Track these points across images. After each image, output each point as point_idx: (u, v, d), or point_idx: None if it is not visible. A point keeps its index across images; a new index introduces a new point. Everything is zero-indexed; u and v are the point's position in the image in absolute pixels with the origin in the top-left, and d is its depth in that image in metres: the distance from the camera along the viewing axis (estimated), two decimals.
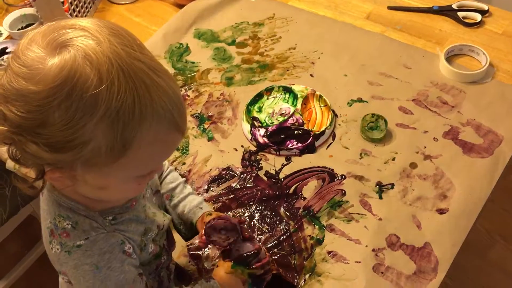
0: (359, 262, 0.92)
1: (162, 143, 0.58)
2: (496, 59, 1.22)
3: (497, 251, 1.65)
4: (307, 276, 0.91)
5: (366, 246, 0.93)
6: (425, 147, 1.07)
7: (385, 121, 1.10)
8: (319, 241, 0.95)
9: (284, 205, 1.02)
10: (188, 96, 1.26)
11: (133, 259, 0.69)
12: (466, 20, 1.33)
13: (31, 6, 1.49)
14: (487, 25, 1.32)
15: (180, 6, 1.50)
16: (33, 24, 1.43)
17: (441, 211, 0.97)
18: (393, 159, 1.06)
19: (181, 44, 1.40)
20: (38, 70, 0.51)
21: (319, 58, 1.30)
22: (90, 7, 1.51)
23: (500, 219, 1.69)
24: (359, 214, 0.98)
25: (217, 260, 0.86)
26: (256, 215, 1.01)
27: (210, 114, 1.21)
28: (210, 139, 1.16)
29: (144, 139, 0.55)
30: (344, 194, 1.02)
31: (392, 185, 1.02)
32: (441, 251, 0.91)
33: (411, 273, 0.89)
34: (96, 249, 0.65)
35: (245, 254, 0.83)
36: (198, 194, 1.05)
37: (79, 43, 0.52)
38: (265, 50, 1.35)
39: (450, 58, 1.24)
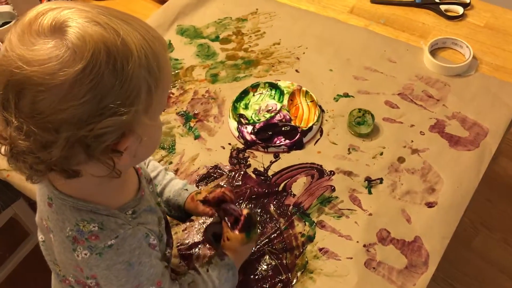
0: (351, 258, 0.92)
1: (168, 61, 0.62)
2: (479, 51, 1.23)
3: (480, 241, 1.67)
4: (299, 273, 0.91)
5: (357, 242, 0.94)
6: (412, 141, 1.08)
7: (372, 115, 1.10)
8: (310, 238, 0.95)
9: (274, 202, 1.01)
10: (173, 94, 1.24)
11: (157, 251, 0.70)
12: (449, 13, 1.34)
13: (7, 3, 1.45)
14: (469, 18, 1.33)
15: (162, 2, 1.48)
16: (10, 22, 1.39)
17: (430, 205, 0.98)
18: (381, 153, 1.07)
19: None
20: (66, 54, 0.51)
21: (303, 53, 1.30)
22: None
23: (483, 209, 1.72)
24: (349, 209, 0.99)
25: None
26: None
27: (195, 112, 1.20)
28: (197, 137, 1.15)
29: (163, 65, 0.58)
30: (334, 190, 1.02)
31: (381, 179, 1.02)
32: (431, 244, 0.92)
33: (402, 267, 0.90)
34: (126, 246, 0.64)
35: (245, 216, 0.84)
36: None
37: (69, 16, 0.53)
38: (250, 46, 1.34)
39: (434, 51, 1.25)
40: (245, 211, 0.84)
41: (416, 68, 1.22)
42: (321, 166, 1.06)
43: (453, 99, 1.15)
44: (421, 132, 1.09)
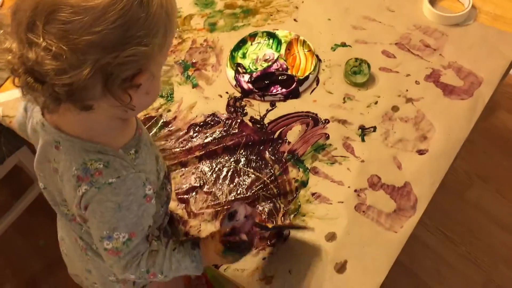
0: (342, 202, 0.95)
1: (176, 14, 0.66)
2: (478, 1, 1.22)
3: (475, 192, 1.71)
4: (291, 216, 0.94)
5: (349, 187, 0.97)
6: (407, 90, 1.09)
7: (368, 65, 1.11)
8: (304, 184, 0.98)
9: (269, 149, 1.04)
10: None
11: (151, 205, 0.71)
12: None
13: None
14: None
15: None
16: None
17: (421, 152, 1.00)
18: (376, 102, 1.08)
19: None
20: None
21: (302, 2, 1.29)
22: None
23: (478, 161, 1.75)
24: (342, 156, 1.01)
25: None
26: (242, 160, 1.03)
27: (194, 61, 1.21)
28: (195, 86, 1.16)
29: (175, 14, 0.64)
30: (328, 137, 1.04)
31: (375, 128, 1.04)
32: (420, 190, 0.95)
33: (391, 211, 0.93)
34: (124, 189, 0.67)
35: (238, 241, 0.78)
36: (184, 141, 1.06)
37: None
38: None
39: (433, 0, 1.24)
40: (244, 236, 0.78)
41: (415, 17, 1.22)
42: (316, 114, 1.08)
43: (450, 48, 1.15)
44: (416, 81, 1.10)
